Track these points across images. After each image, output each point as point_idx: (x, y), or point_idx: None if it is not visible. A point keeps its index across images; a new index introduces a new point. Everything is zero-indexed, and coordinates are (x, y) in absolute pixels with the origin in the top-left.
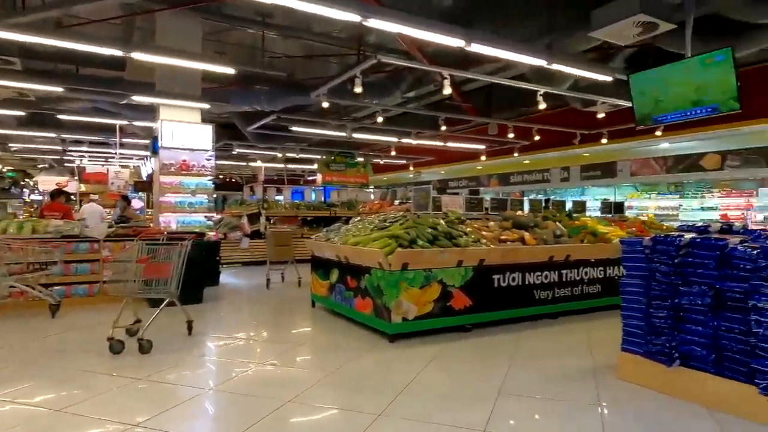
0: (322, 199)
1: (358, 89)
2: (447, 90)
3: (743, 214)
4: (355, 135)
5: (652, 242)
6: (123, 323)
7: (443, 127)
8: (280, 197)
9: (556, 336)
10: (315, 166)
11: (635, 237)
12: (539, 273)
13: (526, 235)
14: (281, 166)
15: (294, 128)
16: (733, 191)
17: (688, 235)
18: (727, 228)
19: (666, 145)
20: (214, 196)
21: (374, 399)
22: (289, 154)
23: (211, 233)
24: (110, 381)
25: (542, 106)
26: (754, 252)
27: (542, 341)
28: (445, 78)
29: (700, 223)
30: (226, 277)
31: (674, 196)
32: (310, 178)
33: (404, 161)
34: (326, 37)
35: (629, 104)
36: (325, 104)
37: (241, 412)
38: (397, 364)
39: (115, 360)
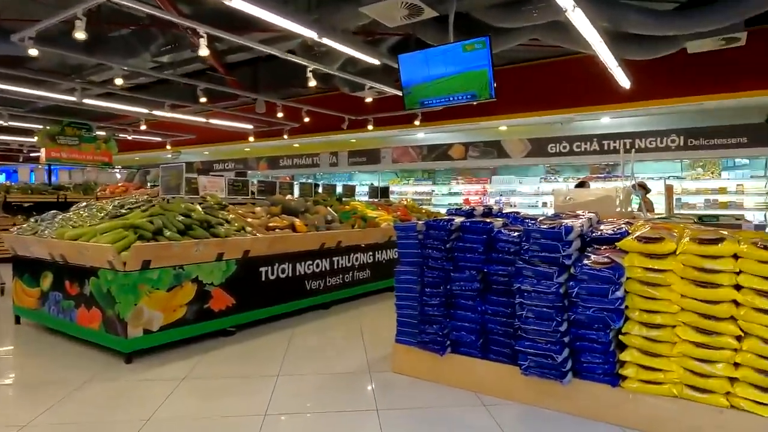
0: (47, 180)
1: (80, 35)
2: (203, 51)
3: (481, 199)
4: (89, 101)
5: (426, 227)
6: None
7: (202, 99)
8: None
9: (329, 329)
10: (35, 139)
11: (409, 222)
12: (311, 262)
13: (297, 221)
14: None
15: None
16: (474, 179)
17: (458, 219)
18: (488, 211)
19: (422, 135)
20: None
21: None
22: None
23: None
24: None
25: (312, 83)
26: (516, 235)
27: (315, 336)
28: (201, 36)
29: (453, 208)
30: None
31: (428, 182)
32: (34, 154)
33: (160, 138)
34: None
35: (394, 92)
36: (33, 51)
37: None
38: (136, 391)
39: None
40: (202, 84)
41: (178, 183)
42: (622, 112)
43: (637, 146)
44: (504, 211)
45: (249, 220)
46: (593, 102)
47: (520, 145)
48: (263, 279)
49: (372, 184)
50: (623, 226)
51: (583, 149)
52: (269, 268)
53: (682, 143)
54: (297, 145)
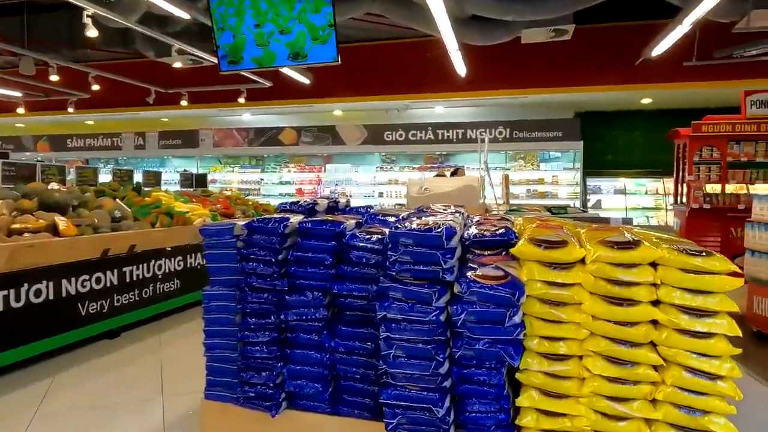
0: None
1: None
2: None
3: (315, 188)
4: None
5: (248, 230)
6: None
7: None
8: None
9: (112, 370)
10: None
11: (223, 222)
12: (87, 276)
13: (61, 220)
14: None
15: None
16: (306, 167)
17: (295, 219)
18: (334, 205)
19: (248, 117)
20: None
21: None
22: None
23: None
24: None
25: (92, 33)
26: (377, 239)
27: (85, 387)
28: None
29: (287, 202)
30: None
31: (256, 169)
32: None
33: None
34: None
35: (213, 60)
36: None
37: None
38: None
39: None
40: None
41: None
42: (455, 101)
43: (468, 137)
44: (352, 205)
45: None
46: (429, 90)
47: (356, 132)
48: (2, 308)
49: (185, 170)
50: (503, 224)
51: (418, 138)
52: (12, 291)
53: (508, 135)
54: (91, 122)
